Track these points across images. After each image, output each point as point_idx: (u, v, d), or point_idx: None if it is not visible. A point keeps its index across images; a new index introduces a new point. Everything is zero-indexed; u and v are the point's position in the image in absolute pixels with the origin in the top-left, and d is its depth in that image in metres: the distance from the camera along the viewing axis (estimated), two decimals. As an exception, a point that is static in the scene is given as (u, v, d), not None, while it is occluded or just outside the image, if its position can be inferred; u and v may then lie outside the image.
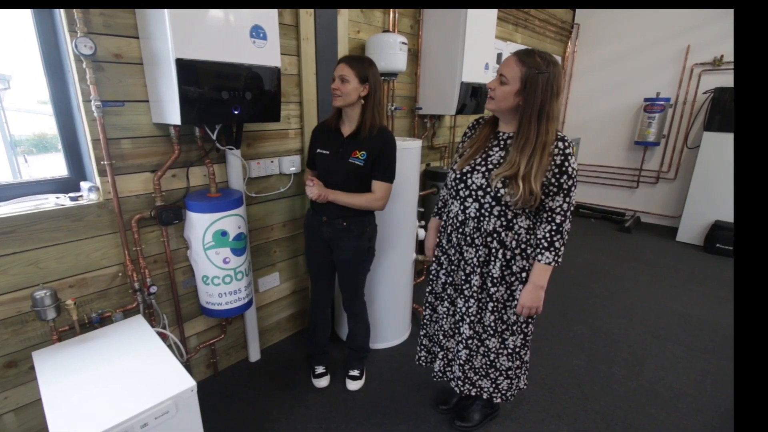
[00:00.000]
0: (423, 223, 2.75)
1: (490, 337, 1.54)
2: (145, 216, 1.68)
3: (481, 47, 2.75)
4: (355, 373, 2.10)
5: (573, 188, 1.32)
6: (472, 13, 2.53)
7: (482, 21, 2.67)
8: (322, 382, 2.09)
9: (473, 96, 2.80)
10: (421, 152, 2.45)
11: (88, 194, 1.56)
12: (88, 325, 1.58)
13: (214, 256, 1.75)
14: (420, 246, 2.75)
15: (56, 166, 1.62)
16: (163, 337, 1.53)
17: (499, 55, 3.65)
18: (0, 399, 1.48)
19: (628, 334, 2.64)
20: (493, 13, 2.80)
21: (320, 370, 2.12)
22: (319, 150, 1.75)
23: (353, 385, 2.07)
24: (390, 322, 2.41)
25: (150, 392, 1.21)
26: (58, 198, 1.53)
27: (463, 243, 1.49)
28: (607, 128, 5.12)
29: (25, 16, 1.42)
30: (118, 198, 1.58)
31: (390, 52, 2.30)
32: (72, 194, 1.56)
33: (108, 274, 1.65)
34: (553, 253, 1.36)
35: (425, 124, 3.13)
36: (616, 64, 4.92)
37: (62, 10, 1.36)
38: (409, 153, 2.14)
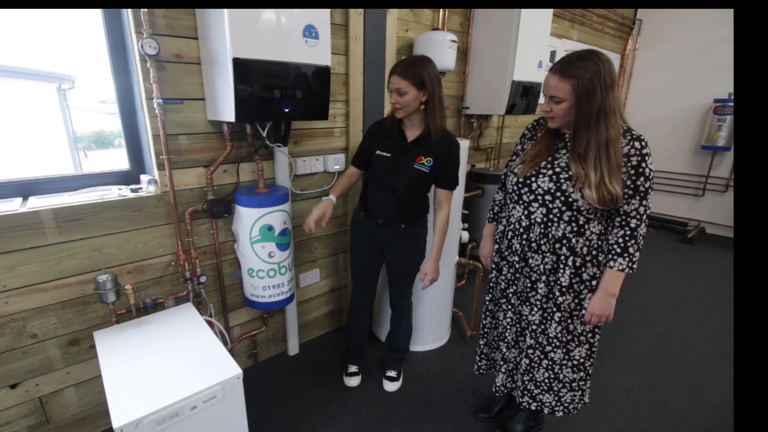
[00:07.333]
0: (466, 225, 2.68)
1: (555, 349, 1.46)
2: (198, 209, 1.75)
3: (535, 45, 2.65)
4: (393, 374, 2.08)
5: (650, 191, 1.24)
6: (526, 10, 2.44)
7: (537, 18, 2.57)
8: (353, 381, 2.09)
9: (524, 95, 2.69)
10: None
11: (147, 186, 1.65)
12: (143, 310, 1.67)
13: (260, 250, 1.79)
14: (462, 249, 2.68)
15: (111, 161, 1.73)
16: (210, 325, 1.59)
17: (553, 53, 3.49)
18: (63, 374, 1.60)
19: (689, 353, 2.43)
20: (548, 10, 2.68)
21: (353, 369, 2.12)
22: (378, 152, 1.68)
23: (390, 386, 2.05)
24: (430, 324, 2.37)
25: (200, 377, 1.26)
26: (120, 189, 1.63)
27: (527, 249, 1.43)
28: (670, 131, 4.76)
29: (95, 19, 1.52)
30: (174, 191, 1.66)
31: (439, 51, 2.26)
32: (133, 186, 1.66)
33: (162, 262, 1.74)
34: (627, 259, 1.28)
35: (471, 124, 3.06)
36: (682, 62, 4.56)
37: (130, 13, 1.45)
38: (455, 153, 2.09)
